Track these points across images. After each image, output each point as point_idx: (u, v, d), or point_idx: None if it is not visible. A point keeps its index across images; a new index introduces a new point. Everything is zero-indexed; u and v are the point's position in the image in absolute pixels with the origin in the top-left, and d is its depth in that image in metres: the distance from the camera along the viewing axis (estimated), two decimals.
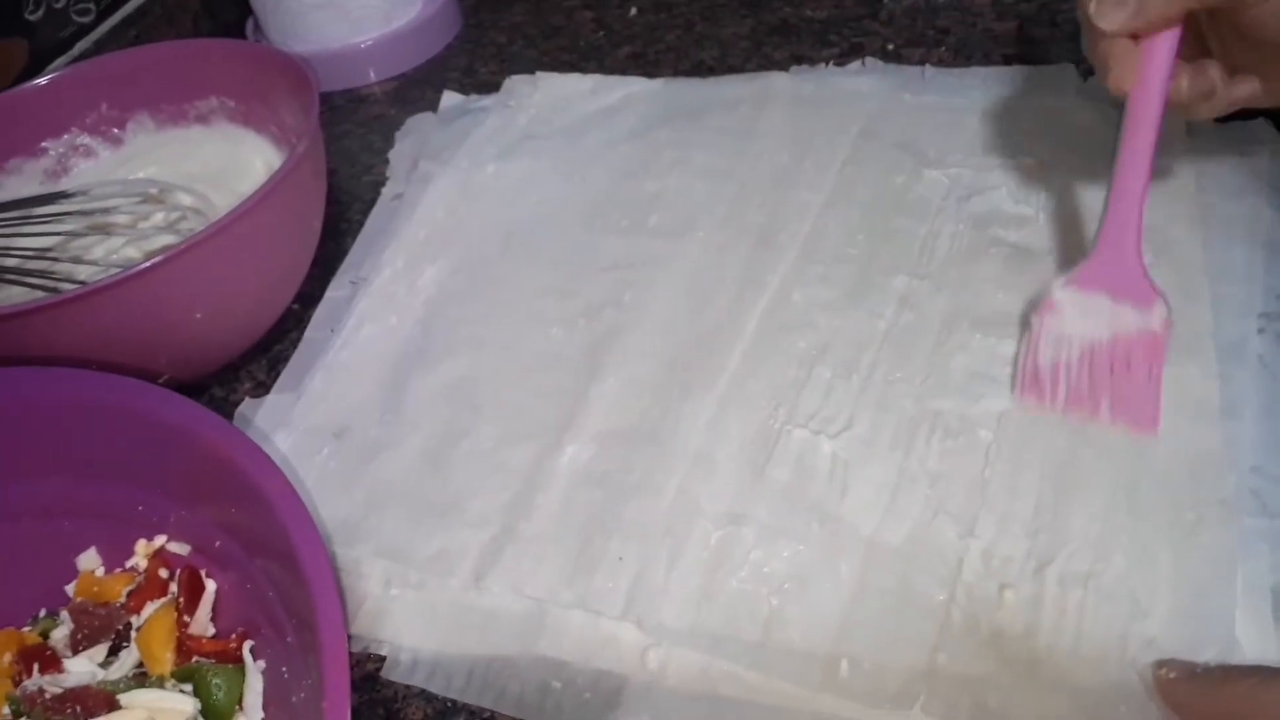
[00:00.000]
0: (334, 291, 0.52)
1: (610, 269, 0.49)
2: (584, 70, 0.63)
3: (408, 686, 0.37)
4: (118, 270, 0.42)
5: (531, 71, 0.63)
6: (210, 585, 0.35)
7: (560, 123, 0.58)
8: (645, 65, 0.63)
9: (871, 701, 0.33)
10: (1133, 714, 0.31)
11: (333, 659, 0.23)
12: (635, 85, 0.60)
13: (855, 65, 0.58)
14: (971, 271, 0.45)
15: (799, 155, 0.52)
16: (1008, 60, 0.56)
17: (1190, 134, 0.48)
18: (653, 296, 0.47)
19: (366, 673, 0.37)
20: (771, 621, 0.35)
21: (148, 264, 0.40)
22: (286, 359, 0.49)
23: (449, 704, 0.36)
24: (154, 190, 0.52)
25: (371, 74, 0.69)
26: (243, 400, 0.48)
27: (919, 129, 0.52)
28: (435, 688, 0.36)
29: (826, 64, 0.59)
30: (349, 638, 0.37)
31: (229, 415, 0.47)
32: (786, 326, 0.44)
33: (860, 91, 0.55)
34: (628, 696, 0.35)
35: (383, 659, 0.37)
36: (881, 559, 0.36)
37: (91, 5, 0.64)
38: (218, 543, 0.34)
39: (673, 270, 0.48)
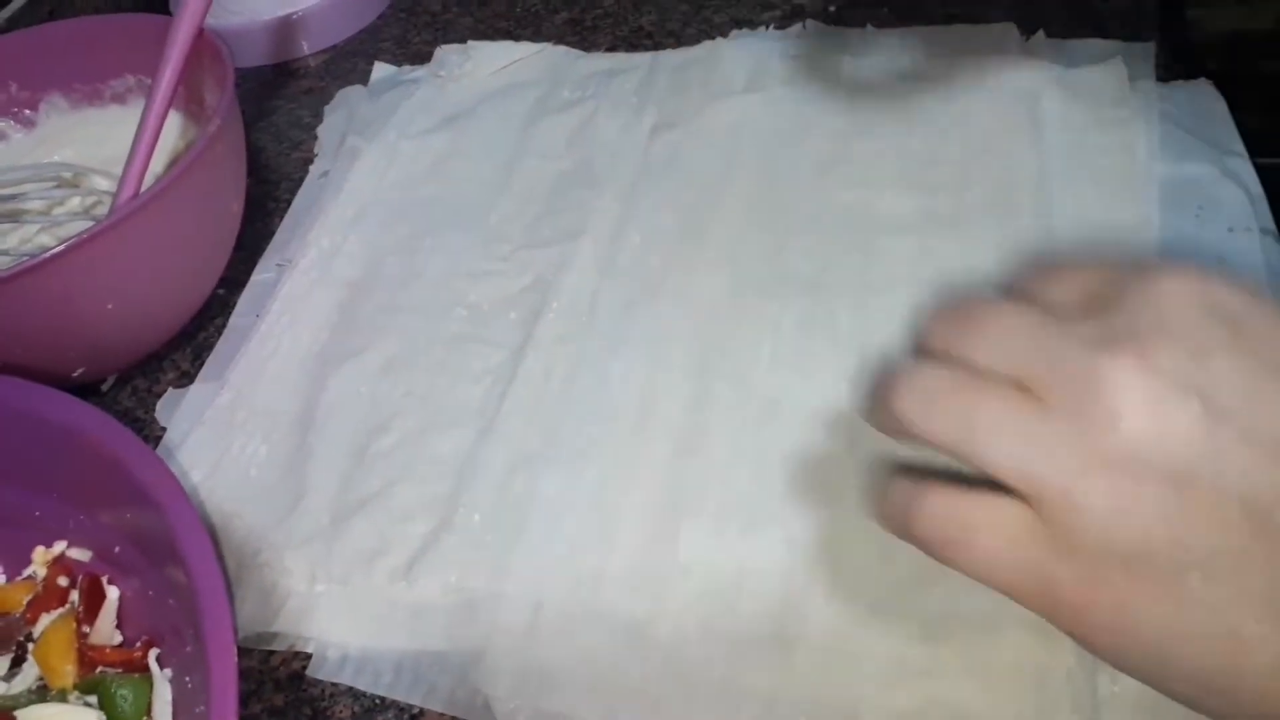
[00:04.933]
0: (260, 275, 0.50)
1: (539, 246, 0.47)
2: (519, 37, 0.61)
3: (334, 684, 0.36)
4: (27, 258, 0.40)
5: (466, 40, 0.61)
6: (113, 592, 0.33)
7: (490, 94, 0.56)
8: (583, 31, 0.61)
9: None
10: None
11: (220, 672, 0.22)
12: (568, 55, 0.58)
13: (796, 28, 0.56)
14: None
15: (734, 131, 0.51)
16: (949, 20, 0.54)
17: (1133, 90, 0.47)
18: (577, 272, 0.45)
19: (292, 671, 0.36)
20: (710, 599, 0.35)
21: (45, 255, 0.38)
22: (212, 346, 0.48)
23: (377, 701, 0.35)
24: (68, 174, 0.51)
25: (305, 46, 0.67)
26: (166, 391, 0.46)
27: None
28: (363, 684, 0.35)
29: (767, 27, 0.57)
30: (275, 637, 0.37)
31: (151, 407, 0.46)
32: (705, 297, 0.43)
33: (794, 56, 0.53)
34: None
35: (309, 657, 0.36)
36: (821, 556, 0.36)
37: None
38: (117, 548, 0.32)
39: (597, 245, 0.46)
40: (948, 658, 0.32)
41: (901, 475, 0.26)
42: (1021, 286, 0.26)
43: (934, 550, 0.25)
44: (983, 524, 0.23)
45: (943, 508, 0.24)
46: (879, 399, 0.26)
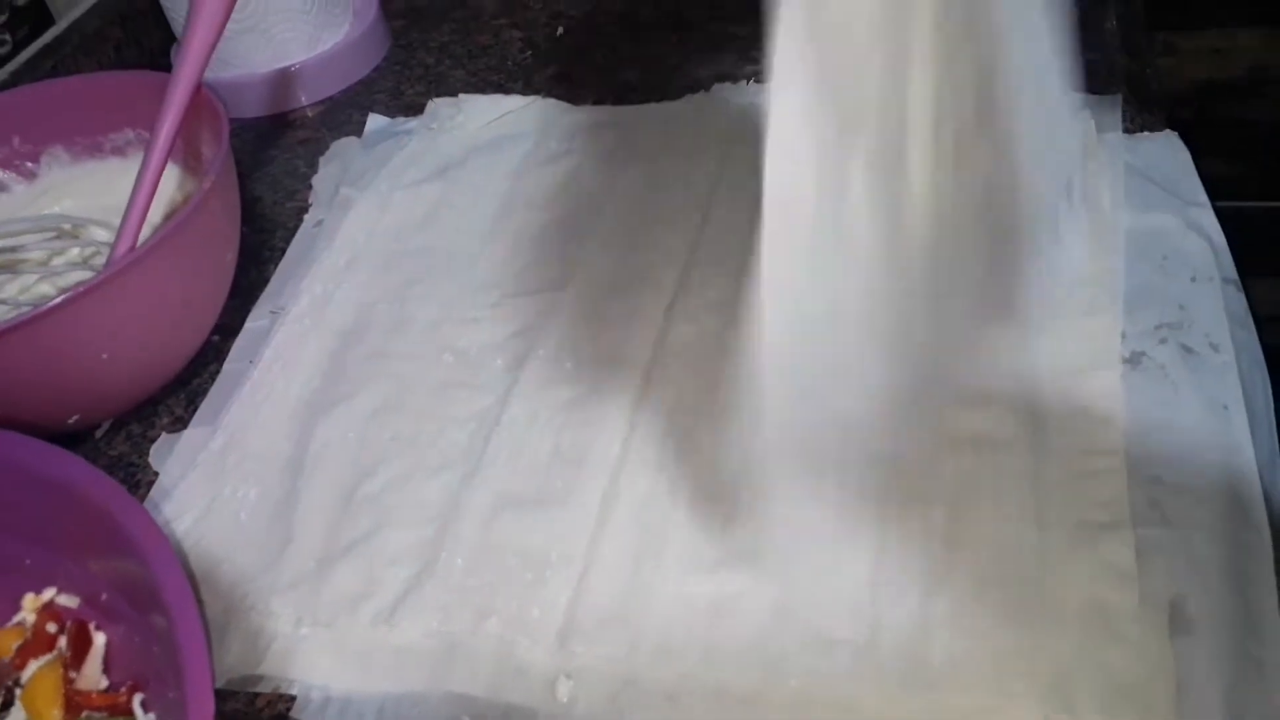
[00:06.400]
0: (253, 322, 0.52)
1: (526, 294, 0.49)
2: (510, 90, 0.63)
3: None
4: (29, 308, 0.42)
5: (458, 93, 0.63)
6: (99, 638, 0.34)
7: (481, 145, 0.58)
8: (571, 85, 0.63)
9: None
10: None
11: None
12: (556, 108, 0.60)
13: None
14: None
15: (713, 183, 0.52)
16: None
17: (1101, 142, 0.49)
18: (562, 320, 0.47)
19: (277, 713, 0.37)
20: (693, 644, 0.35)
21: (42, 307, 0.39)
22: (206, 392, 0.49)
23: None
24: (67, 225, 0.52)
25: (302, 97, 0.68)
26: (160, 436, 0.47)
27: None
28: None
29: (749, 81, 0.59)
30: (260, 679, 0.37)
31: (145, 452, 0.47)
32: (685, 344, 0.45)
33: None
34: None
35: (293, 699, 0.37)
36: (793, 590, 0.36)
37: (8, 37, 0.63)
38: (104, 595, 0.33)
39: (581, 293, 0.48)
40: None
41: None
42: None
43: None
44: None
45: None
46: None
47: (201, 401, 0.48)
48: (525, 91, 0.62)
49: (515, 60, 0.67)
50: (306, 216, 0.57)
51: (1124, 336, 0.41)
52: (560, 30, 0.68)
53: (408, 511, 0.41)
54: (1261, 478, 0.36)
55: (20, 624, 0.36)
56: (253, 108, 0.67)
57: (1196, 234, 0.44)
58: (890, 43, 0.27)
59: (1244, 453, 0.37)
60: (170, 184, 0.53)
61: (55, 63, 0.64)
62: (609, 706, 0.35)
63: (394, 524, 0.41)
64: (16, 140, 0.54)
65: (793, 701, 0.34)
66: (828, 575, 0.36)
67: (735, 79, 0.59)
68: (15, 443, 0.33)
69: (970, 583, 0.35)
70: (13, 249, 0.50)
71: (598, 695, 0.35)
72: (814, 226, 0.29)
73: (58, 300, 0.39)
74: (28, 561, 0.35)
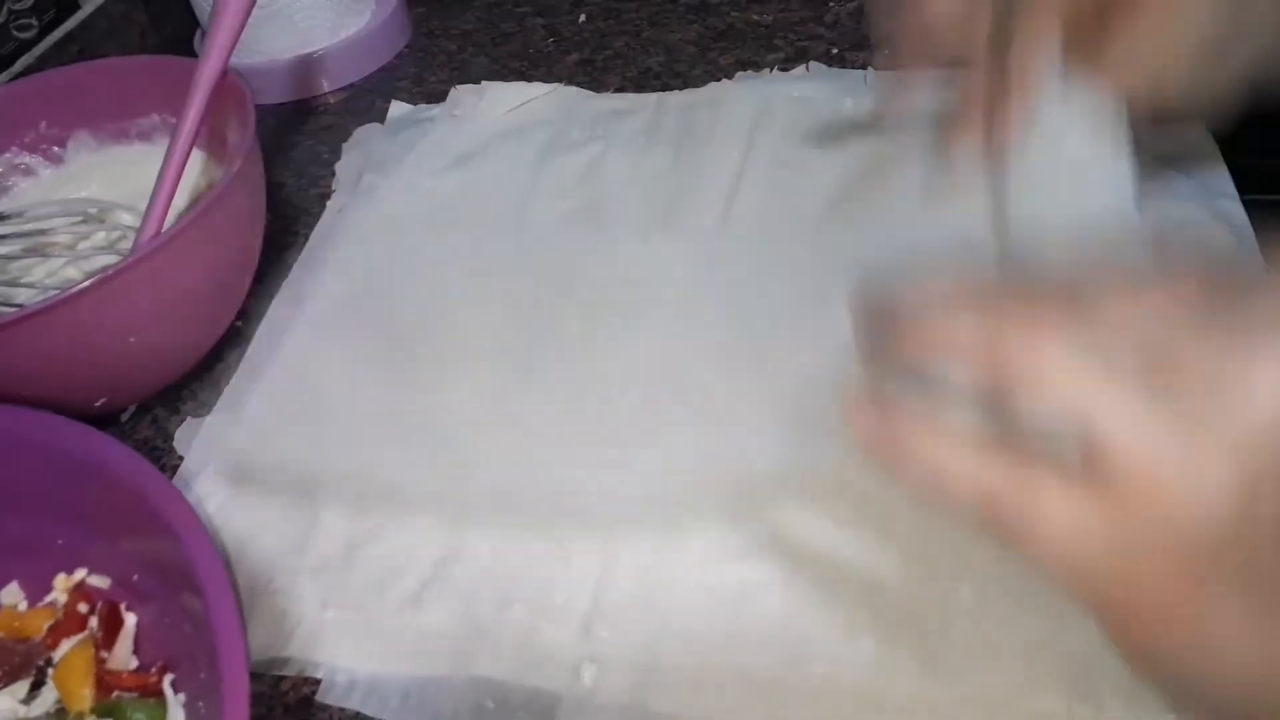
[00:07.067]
0: (277, 308, 0.52)
1: (546, 283, 0.49)
2: (532, 78, 0.63)
3: (343, 710, 0.37)
4: (56, 292, 0.42)
5: (480, 80, 0.63)
6: (130, 619, 0.35)
7: (503, 133, 0.58)
8: (594, 72, 0.63)
9: None
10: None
11: (232, 701, 0.23)
12: (578, 96, 0.60)
13: (799, 70, 0.58)
14: None
15: (736, 171, 0.52)
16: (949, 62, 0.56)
17: (1128, 130, 0.48)
18: (580, 309, 0.47)
19: (302, 696, 0.37)
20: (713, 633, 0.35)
21: (70, 290, 0.39)
22: (230, 377, 0.49)
23: None
24: (93, 210, 0.52)
25: (325, 84, 0.68)
26: (184, 421, 0.48)
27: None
28: (370, 710, 0.36)
29: (771, 69, 0.59)
30: (286, 662, 0.38)
31: (169, 436, 0.47)
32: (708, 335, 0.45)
33: (802, 98, 0.55)
34: (561, 714, 0.35)
35: (318, 682, 0.37)
36: (818, 578, 0.36)
37: (34, 21, 0.63)
38: (136, 576, 0.33)
39: (604, 284, 0.48)
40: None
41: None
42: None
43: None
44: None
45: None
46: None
47: (226, 386, 0.49)
48: (548, 79, 0.62)
49: (538, 47, 0.67)
50: (330, 203, 0.58)
51: None
52: (583, 17, 0.68)
53: (432, 497, 0.41)
54: None
55: (52, 604, 0.36)
56: (276, 93, 0.68)
57: (1224, 225, 0.44)
58: None
59: None
60: (195, 170, 0.54)
61: (81, 47, 0.65)
62: (633, 692, 0.35)
63: (418, 509, 0.41)
64: (44, 124, 0.54)
65: (815, 690, 0.34)
66: (849, 564, 0.36)
67: (758, 66, 0.59)
68: (47, 423, 0.34)
69: (994, 572, 0.35)
70: (40, 232, 0.51)
71: (622, 681, 0.35)
72: None
73: (84, 284, 0.40)
74: (60, 542, 0.35)
